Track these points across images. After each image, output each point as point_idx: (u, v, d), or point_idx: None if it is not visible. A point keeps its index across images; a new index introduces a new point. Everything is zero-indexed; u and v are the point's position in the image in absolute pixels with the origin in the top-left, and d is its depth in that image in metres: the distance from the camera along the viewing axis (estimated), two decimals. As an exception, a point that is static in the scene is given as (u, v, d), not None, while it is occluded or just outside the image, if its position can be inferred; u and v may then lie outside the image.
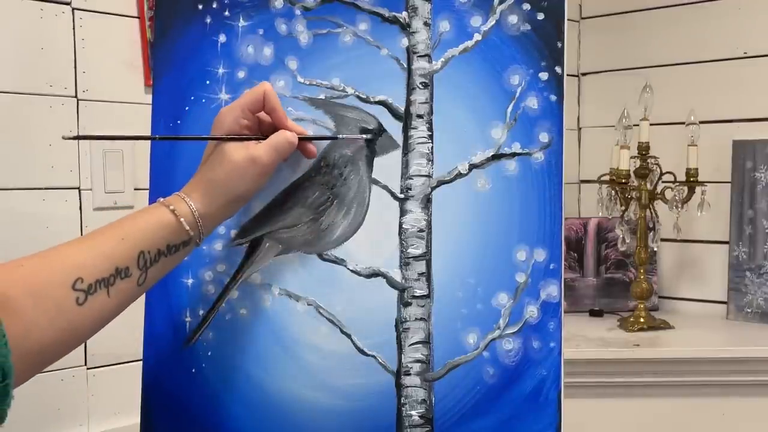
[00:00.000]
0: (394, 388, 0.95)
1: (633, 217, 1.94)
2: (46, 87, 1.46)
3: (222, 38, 1.00)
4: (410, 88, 0.96)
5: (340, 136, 0.95)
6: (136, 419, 1.00)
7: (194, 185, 0.86)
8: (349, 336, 0.95)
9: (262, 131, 0.90)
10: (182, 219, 0.83)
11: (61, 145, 1.47)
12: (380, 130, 0.95)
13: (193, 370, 0.98)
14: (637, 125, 1.93)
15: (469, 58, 0.96)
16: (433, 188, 0.96)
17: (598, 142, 2.23)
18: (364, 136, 0.95)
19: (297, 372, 0.96)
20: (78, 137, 0.86)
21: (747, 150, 2.01)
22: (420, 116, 0.96)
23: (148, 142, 1.01)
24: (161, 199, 0.84)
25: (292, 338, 0.96)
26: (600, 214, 2.00)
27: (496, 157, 0.95)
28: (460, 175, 0.95)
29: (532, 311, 0.94)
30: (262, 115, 0.90)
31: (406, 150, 0.96)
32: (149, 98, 1.07)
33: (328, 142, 0.95)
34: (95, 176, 1.52)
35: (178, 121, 1.00)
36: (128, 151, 1.55)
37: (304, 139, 0.92)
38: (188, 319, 0.98)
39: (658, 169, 1.95)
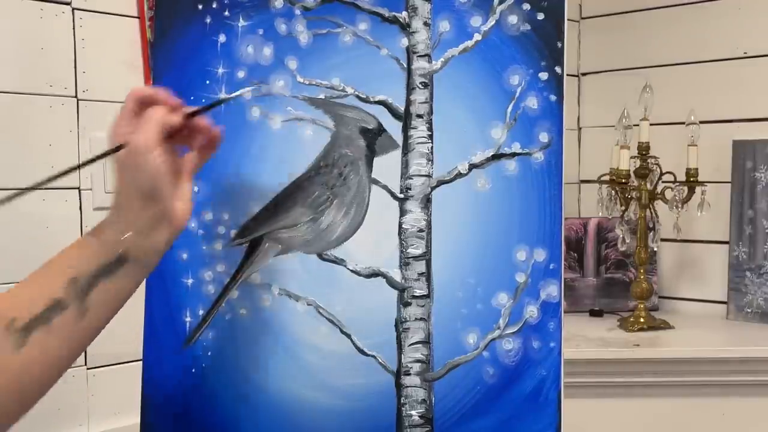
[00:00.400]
0: (394, 388, 0.95)
1: (633, 217, 1.94)
2: (46, 87, 1.46)
3: (222, 38, 1.00)
4: (410, 88, 0.96)
5: (222, 98, 0.90)
6: (136, 419, 1.00)
7: (111, 208, 0.80)
8: (349, 336, 0.95)
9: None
10: (103, 236, 0.77)
11: (61, 145, 1.47)
12: (380, 130, 0.95)
13: (193, 370, 0.98)
14: (637, 125, 1.93)
15: (469, 58, 0.96)
16: (433, 188, 0.96)
17: (598, 142, 2.23)
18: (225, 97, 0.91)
19: (297, 372, 0.96)
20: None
21: (747, 150, 2.01)
22: (420, 116, 0.96)
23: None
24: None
25: (292, 338, 0.96)
26: (600, 214, 2.00)
27: (496, 157, 0.95)
28: (460, 175, 0.95)
29: (532, 311, 0.94)
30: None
31: (406, 150, 0.96)
32: (149, 98, 1.07)
33: (328, 142, 0.95)
34: (95, 176, 1.52)
35: (178, 121, 1.00)
36: (128, 151, 1.55)
37: (197, 112, 0.84)
38: (188, 319, 0.98)
39: (658, 169, 1.95)
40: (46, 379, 0.72)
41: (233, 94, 0.89)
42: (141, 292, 0.98)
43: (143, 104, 0.80)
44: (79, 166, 0.81)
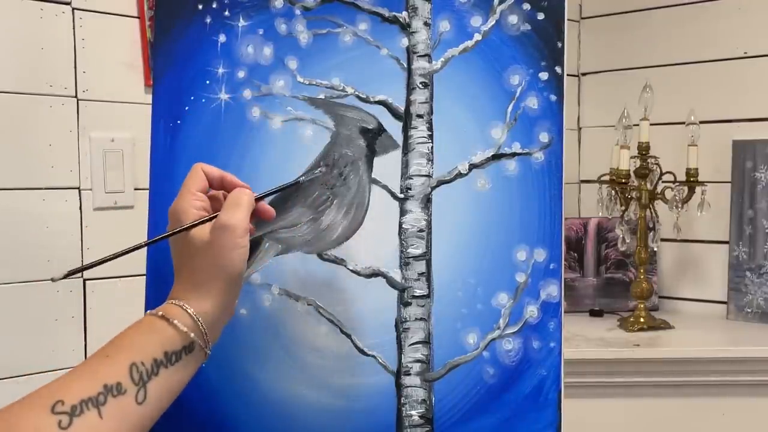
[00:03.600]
0: (394, 388, 0.95)
1: (633, 217, 1.94)
2: (46, 87, 1.46)
3: (222, 38, 1.00)
4: (410, 88, 0.96)
5: (301, 179, 0.92)
6: (136, 419, 1.00)
7: (179, 285, 0.79)
8: (349, 336, 0.95)
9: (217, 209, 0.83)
10: (176, 321, 0.75)
11: (61, 145, 1.48)
12: (380, 130, 0.95)
13: (193, 370, 0.98)
14: (637, 125, 1.93)
15: (469, 58, 0.96)
16: (433, 188, 0.96)
17: (598, 142, 2.23)
18: (319, 171, 0.93)
19: (297, 372, 0.96)
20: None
21: (747, 150, 2.01)
22: (420, 116, 0.96)
23: (148, 141, 1.01)
24: (150, 311, 0.77)
25: (292, 338, 0.96)
26: (600, 214, 2.00)
27: (496, 157, 0.95)
28: (460, 175, 0.95)
29: (532, 311, 0.94)
30: (216, 193, 0.85)
31: (406, 150, 0.96)
32: (149, 98, 1.07)
33: (328, 142, 0.95)
34: (95, 176, 1.52)
35: (178, 121, 1.00)
36: (128, 151, 1.55)
37: (264, 196, 0.87)
38: (188, 319, 0.98)
39: (658, 169, 1.95)
40: None
41: (307, 177, 0.92)
42: (141, 292, 0.98)
43: (204, 184, 0.82)
44: (156, 240, 0.80)
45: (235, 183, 0.84)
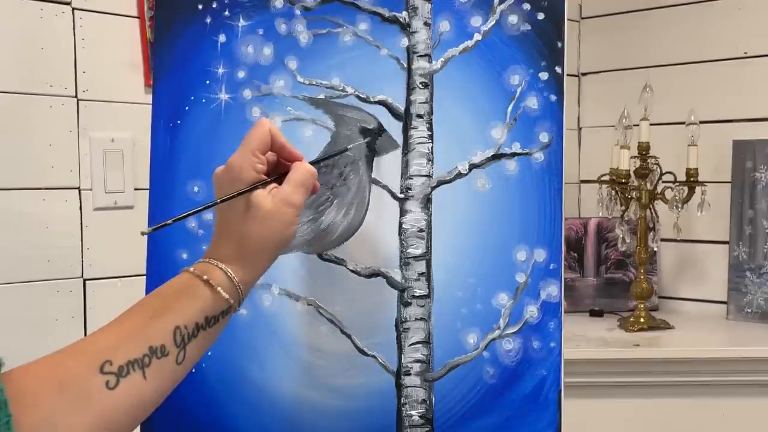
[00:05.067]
0: (394, 388, 0.95)
1: (633, 217, 1.94)
2: (46, 87, 1.46)
3: (222, 38, 1.00)
4: (410, 88, 0.96)
5: (348, 147, 0.93)
6: (136, 419, 1.00)
7: (225, 247, 0.79)
8: (349, 336, 0.95)
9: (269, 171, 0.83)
10: (219, 288, 0.76)
11: (61, 145, 1.47)
12: (380, 130, 0.95)
13: (193, 370, 0.98)
14: (637, 125, 1.93)
15: (469, 58, 0.96)
16: (433, 188, 0.96)
17: (598, 142, 2.23)
18: (361, 140, 0.94)
19: (297, 372, 0.96)
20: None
21: (747, 150, 2.01)
22: (420, 116, 0.96)
23: (148, 141, 1.01)
24: (191, 269, 0.77)
25: (292, 338, 0.96)
26: (600, 214, 2.00)
27: (496, 157, 0.95)
28: (460, 174, 0.95)
29: (532, 311, 0.94)
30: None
31: (406, 150, 0.96)
32: (149, 98, 1.07)
33: (328, 142, 0.95)
34: (95, 176, 1.52)
35: (178, 121, 1.00)
36: (128, 151, 1.55)
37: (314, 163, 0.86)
38: (188, 319, 0.98)
39: (658, 169, 1.95)
40: (136, 419, 0.71)
41: (349, 146, 0.93)
42: (141, 292, 0.98)
43: (267, 146, 0.81)
44: (230, 197, 0.79)
45: (295, 155, 0.83)
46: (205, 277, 0.75)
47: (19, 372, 0.66)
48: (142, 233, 0.78)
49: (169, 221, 0.77)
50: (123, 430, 0.70)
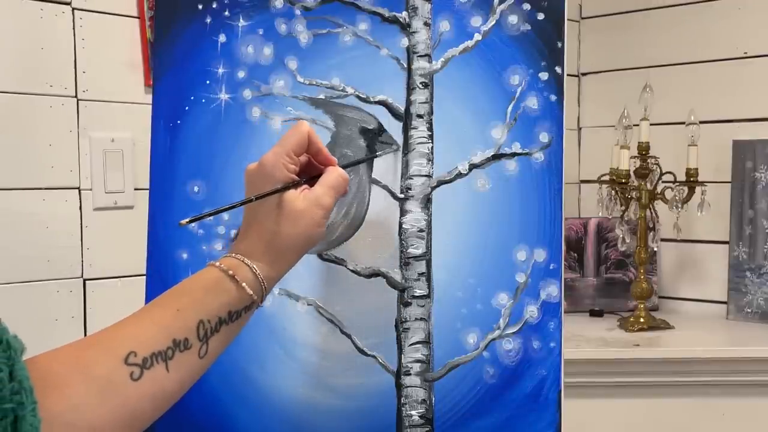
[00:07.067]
0: (394, 388, 0.95)
1: (633, 217, 1.94)
2: (46, 87, 1.46)
3: (222, 38, 1.00)
4: (410, 88, 0.96)
5: (377, 153, 0.94)
6: (136, 419, 0.99)
7: (253, 243, 0.79)
8: (349, 336, 0.95)
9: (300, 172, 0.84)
10: (244, 284, 0.76)
11: (61, 145, 1.48)
12: (380, 130, 0.95)
13: (193, 370, 0.98)
14: (637, 125, 1.93)
15: (469, 58, 0.96)
16: (433, 188, 0.96)
17: (598, 142, 2.23)
18: (394, 147, 0.94)
19: (297, 372, 0.96)
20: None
21: (747, 150, 2.01)
22: (420, 116, 0.96)
23: (148, 141, 1.01)
24: (217, 263, 0.77)
25: (292, 338, 0.96)
26: (600, 214, 2.00)
27: (496, 157, 0.95)
28: (460, 175, 0.95)
29: (532, 311, 0.94)
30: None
31: (406, 150, 0.96)
32: (149, 98, 1.07)
33: (328, 142, 0.95)
34: (95, 176, 1.52)
35: (178, 121, 1.00)
36: (128, 151, 1.55)
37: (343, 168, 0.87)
38: (188, 319, 0.98)
39: (658, 169, 1.95)
40: (157, 411, 0.72)
41: (378, 153, 0.94)
42: (141, 292, 0.98)
43: (303, 149, 0.82)
44: (265, 195, 0.79)
45: (329, 159, 0.84)
46: (231, 272, 0.76)
47: (44, 358, 0.66)
48: (180, 224, 0.78)
49: (206, 213, 0.78)
50: (144, 420, 0.71)
